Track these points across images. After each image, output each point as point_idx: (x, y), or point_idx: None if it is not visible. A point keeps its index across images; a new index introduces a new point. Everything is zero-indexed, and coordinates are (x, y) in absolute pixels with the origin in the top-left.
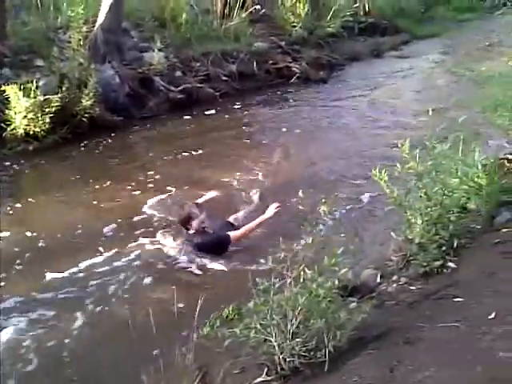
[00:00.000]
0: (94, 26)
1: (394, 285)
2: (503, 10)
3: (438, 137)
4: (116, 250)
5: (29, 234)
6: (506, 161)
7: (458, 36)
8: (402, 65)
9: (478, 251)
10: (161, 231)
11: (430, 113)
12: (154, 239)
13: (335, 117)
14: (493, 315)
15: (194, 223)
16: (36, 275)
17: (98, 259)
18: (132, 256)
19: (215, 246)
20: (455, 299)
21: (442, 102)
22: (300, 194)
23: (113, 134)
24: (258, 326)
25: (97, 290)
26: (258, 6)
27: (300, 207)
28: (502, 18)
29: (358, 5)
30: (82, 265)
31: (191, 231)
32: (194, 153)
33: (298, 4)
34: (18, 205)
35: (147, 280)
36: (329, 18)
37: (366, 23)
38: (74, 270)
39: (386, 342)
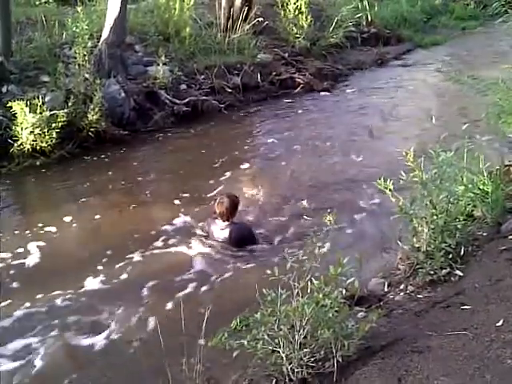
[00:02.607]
0: (98, 42)
1: (402, 293)
2: (504, 17)
3: (441, 144)
4: (123, 263)
5: (35, 250)
6: (511, 167)
7: (460, 44)
8: (406, 73)
9: (485, 258)
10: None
11: (434, 121)
12: (161, 251)
13: (339, 126)
14: (500, 322)
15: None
16: (40, 293)
17: (105, 273)
18: (138, 269)
19: (246, 238)
20: (463, 307)
21: (446, 110)
22: (305, 203)
23: (119, 148)
24: (266, 336)
25: (104, 303)
26: (260, 19)
27: (305, 217)
28: (504, 25)
29: (360, 15)
30: (89, 279)
31: (225, 222)
32: (201, 165)
33: (300, 16)
34: (25, 220)
35: (153, 292)
36: (331, 28)
37: (369, 33)
38: (80, 285)
39: (395, 351)
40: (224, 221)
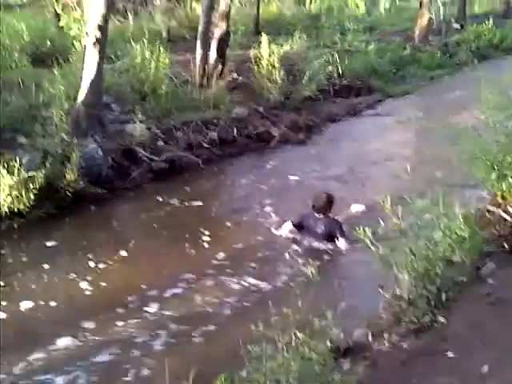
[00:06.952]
0: (75, 102)
1: (386, 343)
2: (471, 66)
3: (418, 192)
4: (102, 325)
5: (15, 312)
6: (486, 212)
7: (429, 93)
8: (378, 123)
9: (467, 304)
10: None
11: (409, 169)
12: (141, 314)
13: (314, 177)
14: (486, 369)
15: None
16: (18, 355)
17: (83, 337)
18: (120, 330)
19: (335, 232)
20: (447, 354)
21: (419, 157)
22: (286, 255)
23: (97, 207)
24: None
25: (83, 365)
26: (234, 75)
27: (288, 270)
28: (471, 73)
29: (331, 68)
30: (60, 345)
31: (320, 215)
32: (182, 221)
33: (273, 70)
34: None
35: (136, 352)
36: (304, 82)
37: (341, 85)
38: (54, 349)
39: None
40: (319, 214)
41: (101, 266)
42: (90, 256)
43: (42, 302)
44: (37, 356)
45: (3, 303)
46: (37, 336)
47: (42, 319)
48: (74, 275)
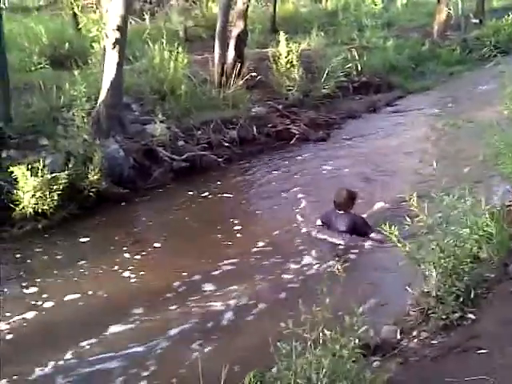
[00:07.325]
0: (96, 103)
1: (415, 340)
2: (495, 61)
3: (444, 188)
4: (137, 321)
5: (41, 315)
6: (511, 208)
7: (449, 88)
8: (399, 119)
9: (496, 300)
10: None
11: (435, 165)
12: (172, 306)
13: (336, 175)
14: None
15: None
16: (43, 358)
17: (135, 323)
18: (153, 327)
19: (359, 228)
20: (479, 351)
21: (443, 153)
22: (313, 253)
23: (120, 207)
24: None
25: (119, 360)
26: (253, 73)
27: (315, 267)
28: (491, 69)
29: (350, 65)
30: (113, 331)
31: (341, 212)
32: (203, 222)
33: (292, 68)
34: (30, 285)
35: (168, 350)
36: (323, 79)
37: (360, 82)
38: (87, 347)
39: None
40: (340, 210)
41: (138, 257)
42: (125, 249)
43: (87, 293)
44: (89, 342)
45: (45, 295)
46: (88, 324)
47: (91, 309)
48: (116, 267)
